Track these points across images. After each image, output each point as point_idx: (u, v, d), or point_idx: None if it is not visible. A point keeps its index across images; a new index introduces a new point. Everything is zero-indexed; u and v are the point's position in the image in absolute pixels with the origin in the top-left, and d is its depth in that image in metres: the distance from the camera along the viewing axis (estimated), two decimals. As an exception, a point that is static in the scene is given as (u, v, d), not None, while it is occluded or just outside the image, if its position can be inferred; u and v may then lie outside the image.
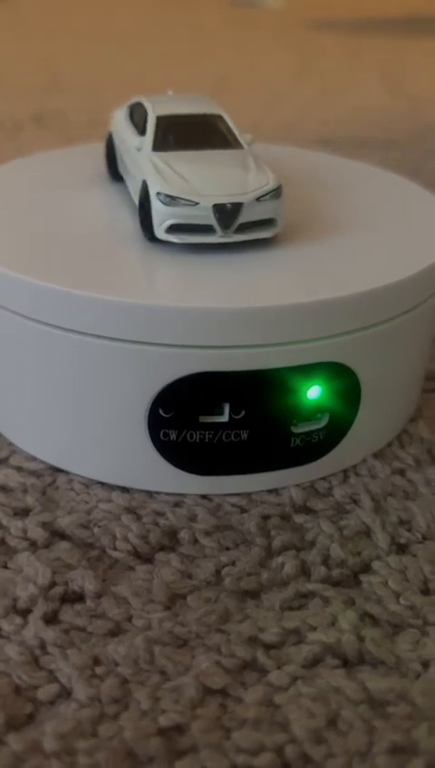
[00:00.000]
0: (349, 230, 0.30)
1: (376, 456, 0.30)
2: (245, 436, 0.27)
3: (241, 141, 0.29)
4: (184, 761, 0.19)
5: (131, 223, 0.30)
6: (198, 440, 0.27)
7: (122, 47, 1.13)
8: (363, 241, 0.29)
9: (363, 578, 0.25)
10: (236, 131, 0.30)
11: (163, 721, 0.20)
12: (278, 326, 0.25)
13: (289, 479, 0.29)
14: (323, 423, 0.27)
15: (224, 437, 0.27)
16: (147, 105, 0.30)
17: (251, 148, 0.30)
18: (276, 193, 0.27)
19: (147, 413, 0.26)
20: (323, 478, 0.29)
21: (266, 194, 0.27)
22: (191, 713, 0.21)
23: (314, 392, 0.27)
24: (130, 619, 0.23)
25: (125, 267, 0.27)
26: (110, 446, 0.27)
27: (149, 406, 0.26)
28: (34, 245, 0.28)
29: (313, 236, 0.29)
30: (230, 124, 0.30)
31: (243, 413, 0.26)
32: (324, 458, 0.28)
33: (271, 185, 0.27)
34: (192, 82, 0.37)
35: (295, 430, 0.27)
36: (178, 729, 0.20)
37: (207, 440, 0.27)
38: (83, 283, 0.25)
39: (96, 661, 0.22)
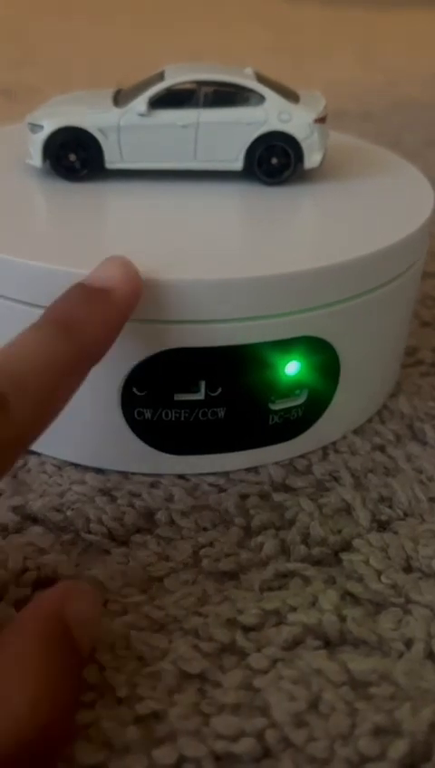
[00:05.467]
0: (327, 200, 0.29)
1: (356, 432, 0.30)
2: (221, 413, 0.26)
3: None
4: (161, 749, 0.19)
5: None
6: (173, 419, 0.26)
7: (94, 21, 1.11)
8: (342, 211, 0.29)
9: (344, 556, 0.25)
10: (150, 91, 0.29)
11: (140, 708, 0.20)
12: (255, 299, 0.24)
13: (268, 457, 0.28)
14: (302, 399, 0.27)
15: (200, 415, 0.26)
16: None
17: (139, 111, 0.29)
18: (32, 128, 0.30)
19: (120, 392, 0.25)
20: (303, 455, 0.29)
21: (29, 123, 0.31)
22: (169, 699, 0.20)
23: (292, 368, 0.26)
24: (105, 603, 0.23)
25: (89, 239, 0.26)
26: (82, 426, 0.26)
27: (123, 384, 0.25)
28: None
29: (290, 206, 0.29)
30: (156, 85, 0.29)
31: (219, 390, 0.25)
32: (303, 435, 0.28)
33: (40, 122, 0.30)
34: (165, 57, 0.36)
35: (274, 407, 0.26)
36: (156, 716, 0.20)
37: (183, 419, 0.26)
38: (45, 255, 0.24)
39: (70, 648, 0.21)
